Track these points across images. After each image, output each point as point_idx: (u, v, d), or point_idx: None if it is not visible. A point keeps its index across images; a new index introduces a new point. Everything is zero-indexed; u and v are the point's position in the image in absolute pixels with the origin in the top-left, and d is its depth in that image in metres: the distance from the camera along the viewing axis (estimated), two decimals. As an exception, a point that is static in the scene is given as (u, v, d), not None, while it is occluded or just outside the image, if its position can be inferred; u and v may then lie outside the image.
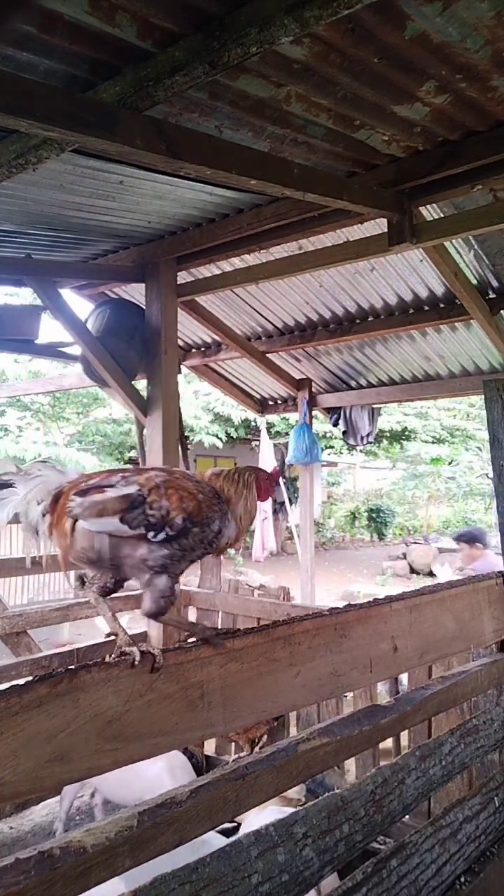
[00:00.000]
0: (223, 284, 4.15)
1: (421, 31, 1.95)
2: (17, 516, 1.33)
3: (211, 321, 5.05)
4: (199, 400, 15.76)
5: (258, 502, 1.39)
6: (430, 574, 15.61)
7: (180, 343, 5.61)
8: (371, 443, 6.55)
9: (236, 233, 3.42)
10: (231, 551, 3.38)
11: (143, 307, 4.08)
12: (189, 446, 4.50)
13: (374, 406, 6.17)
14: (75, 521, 1.25)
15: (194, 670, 1.26)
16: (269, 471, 1.43)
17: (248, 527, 1.38)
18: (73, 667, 1.10)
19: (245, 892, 1.19)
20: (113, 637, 1.22)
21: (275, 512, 12.50)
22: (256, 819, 2.14)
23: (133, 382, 4.06)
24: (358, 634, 1.65)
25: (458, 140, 2.62)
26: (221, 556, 3.93)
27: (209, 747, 3.86)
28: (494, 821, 1.88)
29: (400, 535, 19.94)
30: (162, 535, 1.24)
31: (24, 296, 11.38)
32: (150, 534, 1.23)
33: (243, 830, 2.00)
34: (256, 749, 3.24)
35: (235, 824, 2.48)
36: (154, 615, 1.26)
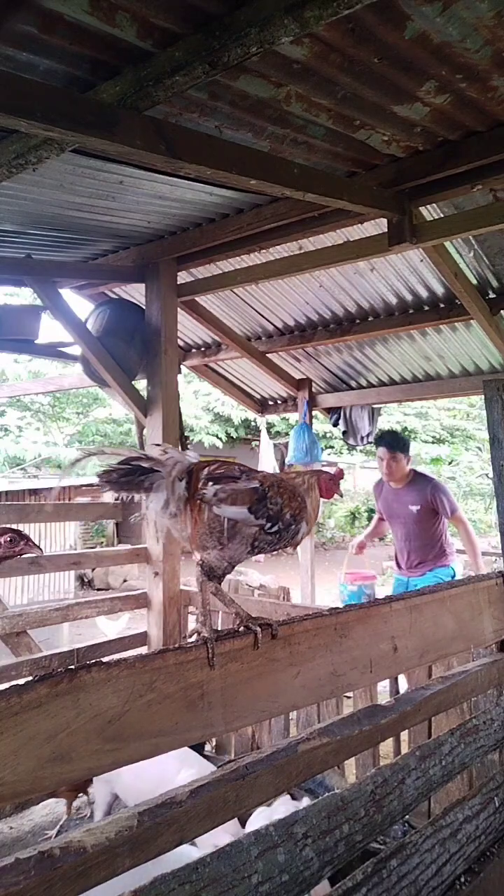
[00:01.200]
0: (223, 284, 4.15)
1: (421, 31, 1.95)
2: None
3: (211, 321, 5.05)
4: (199, 400, 15.77)
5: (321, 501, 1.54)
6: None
7: (180, 343, 5.61)
8: (371, 443, 6.54)
9: (236, 233, 3.42)
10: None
11: (143, 307, 4.08)
12: (189, 446, 4.51)
13: (374, 406, 6.17)
14: (208, 504, 1.39)
15: (194, 670, 1.26)
16: (332, 472, 1.56)
17: (314, 526, 1.54)
18: (72, 667, 1.10)
19: (245, 892, 1.19)
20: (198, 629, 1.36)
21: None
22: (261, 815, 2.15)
23: (133, 382, 4.06)
24: (358, 634, 1.65)
25: (458, 140, 2.62)
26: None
27: (209, 747, 3.86)
28: (494, 821, 1.88)
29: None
30: (276, 528, 1.41)
31: (24, 296, 11.39)
32: (268, 525, 1.40)
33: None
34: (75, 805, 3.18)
35: None
36: (211, 576, 1.43)
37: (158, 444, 1.54)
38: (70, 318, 3.90)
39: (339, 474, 1.56)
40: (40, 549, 1.64)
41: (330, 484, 1.53)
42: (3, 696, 1.00)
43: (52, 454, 14.82)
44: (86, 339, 3.90)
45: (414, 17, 1.88)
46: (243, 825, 2.32)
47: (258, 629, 1.36)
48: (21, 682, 1.04)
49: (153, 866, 1.09)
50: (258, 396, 6.62)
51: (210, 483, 1.39)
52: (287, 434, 7.55)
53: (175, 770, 2.63)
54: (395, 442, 4.52)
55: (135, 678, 1.16)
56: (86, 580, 14.20)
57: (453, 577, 4.48)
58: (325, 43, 1.97)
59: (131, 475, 1.38)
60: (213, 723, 1.29)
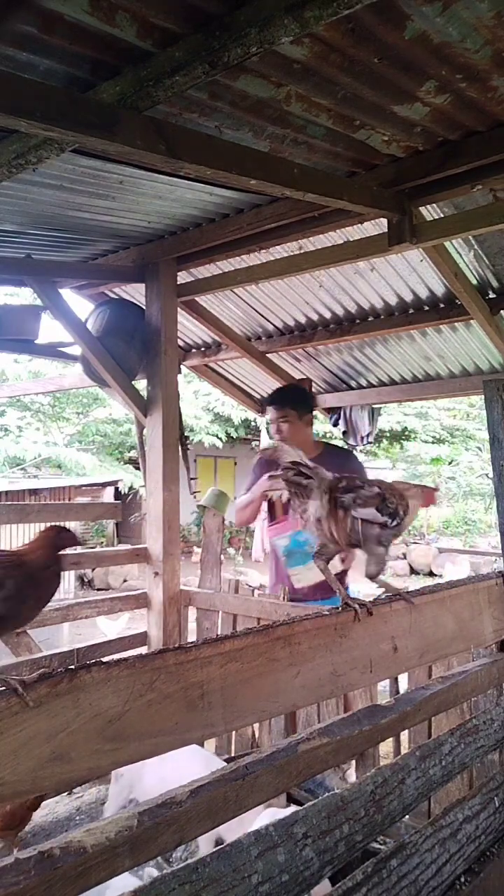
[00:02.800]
0: (223, 284, 4.15)
1: (421, 31, 1.95)
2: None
3: (211, 321, 5.04)
4: (199, 400, 15.76)
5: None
6: (430, 574, 15.62)
7: (180, 343, 5.61)
8: (371, 443, 6.54)
9: (236, 233, 3.42)
10: (231, 551, 3.38)
11: (143, 307, 4.08)
12: (189, 446, 4.51)
13: (375, 406, 6.17)
14: (346, 509, 1.72)
15: (194, 670, 1.26)
16: (432, 487, 1.96)
17: (408, 526, 1.87)
18: (72, 666, 1.10)
19: (245, 892, 1.19)
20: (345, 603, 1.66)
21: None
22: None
23: (133, 382, 4.05)
24: (358, 635, 1.65)
25: (458, 140, 2.62)
26: (222, 556, 3.93)
27: (209, 747, 3.86)
28: (494, 821, 1.88)
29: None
30: (395, 523, 1.75)
31: (24, 296, 11.39)
32: (390, 521, 1.74)
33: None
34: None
35: None
36: (374, 576, 1.79)
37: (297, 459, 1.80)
38: (70, 318, 3.89)
39: (436, 489, 2.00)
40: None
41: (431, 495, 1.91)
42: (3, 696, 1.00)
43: (52, 454, 14.82)
44: (86, 339, 3.90)
45: (414, 17, 1.88)
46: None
47: (357, 607, 1.66)
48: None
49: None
50: (258, 396, 6.61)
51: (346, 492, 1.74)
52: (287, 434, 7.54)
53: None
54: (285, 397, 3.46)
55: (135, 678, 1.17)
56: (86, 580, 14.22)
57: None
58: (326, 43, 1.97)
59: (300, 477, 1.74)
60: (214, 723, 1.29)
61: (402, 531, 1.83)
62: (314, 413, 3.27)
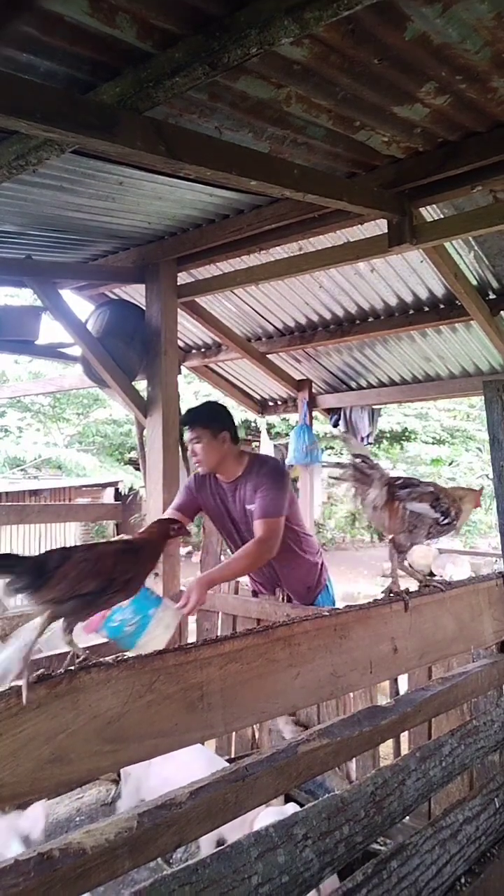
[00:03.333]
0: (223, 285, 4.15)
1: (421, 32, 1.95)
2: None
3: (211, 322, 5.05)
4: (199, 401, 15.74)
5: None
6: (431, 575, 15.59)
7: (180, 344, 5.61)
8: (371, 443, 6.55)
9: (236, 234, 3.42)
10: (230, 552, 3.36)
11: (143, 308, 4.08)
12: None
13: (375, 407, 6.17)
14: (401, 503, 1.92)
15: (194, 671, 1.26)
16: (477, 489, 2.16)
17: (465, 521, 2.11)
18: (72, 668, 1.10)
19: (245, 894, 1.19)
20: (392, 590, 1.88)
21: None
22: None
23: (133, 383, 4.05)
24: (358, 635, 1.65)
25: (458, 141, 2.62)
26: (221, 557, 3.93)
27: (208, 748, 3.86)
28: (495, 822, 1.88)
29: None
30: (446, 521, 1.95)
31: (24, 297, 11.40)
32: (441, 518, 1.94)
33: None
34: None
35: None
36: (403, 551, 2.00)
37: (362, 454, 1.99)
38: (70, 319, 3.90)
39: (481, 490, 2.19)
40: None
41: (477, 497, 2.10)
42: (2, 697, 1.00)
43: (53, 455, 14.82)
44: (86, 339, 3.90)
45: (414, 18, 1.88)
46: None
47: (407, 597, 1.84)
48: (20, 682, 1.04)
49: None
50: (258, 397, 6.62)
51: (402, 488, 1.95)
52: (287, 435, 7.56)
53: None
54: (194, 417, 3.06)
55: (134, 679, 1.16)
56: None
57: (332, 602, 3.39)
58: (326, 44, 1.97)
59: (363, 468, 1.94)
60: (213, 724, 1.29)
61: (452, 530, 2.03)
62: (231, 431, 3.02)
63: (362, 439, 6.11)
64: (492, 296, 4.22)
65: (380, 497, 1.92)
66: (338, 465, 1.98)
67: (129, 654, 1.21)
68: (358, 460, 1.96)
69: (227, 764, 2.89)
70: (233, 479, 3.08)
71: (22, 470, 14.84)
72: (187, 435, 3.10)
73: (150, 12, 1.79)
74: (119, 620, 2.39)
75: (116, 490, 5.61)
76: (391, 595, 1.85)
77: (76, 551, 1.32)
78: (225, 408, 3.19)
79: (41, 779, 1.03)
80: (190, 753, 2.34)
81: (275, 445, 9.29)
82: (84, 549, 1.35)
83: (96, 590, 1.30)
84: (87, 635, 2.64)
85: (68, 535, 11.67)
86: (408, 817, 1.73)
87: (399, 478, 2.00)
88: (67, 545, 2.03)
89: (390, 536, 1.99)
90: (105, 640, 2.57)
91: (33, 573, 1.22)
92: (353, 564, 16.32)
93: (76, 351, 4.34)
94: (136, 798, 2.90)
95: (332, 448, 16.01)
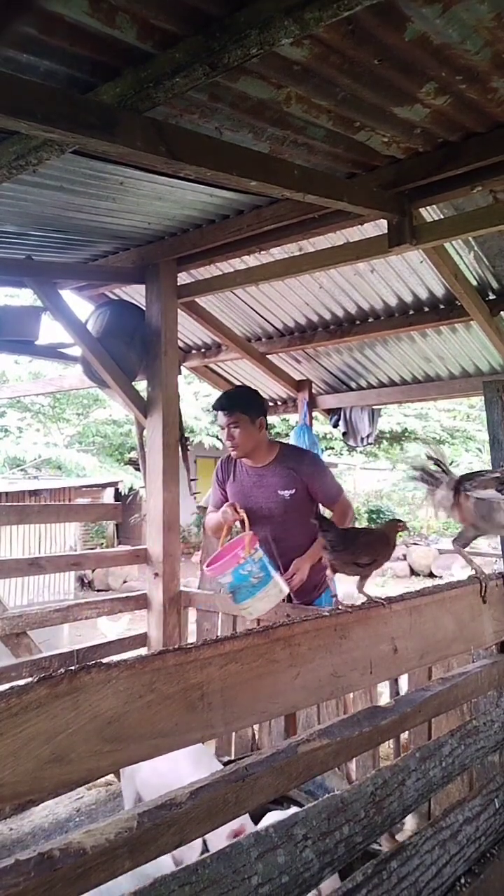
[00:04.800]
0: (223, 286, 4.15)
1: (421, 32, 1.95)
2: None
3: (211, 322, 5.05)
4: (199, 401, 15.76)
5: None
6: (431, 575, 15.60)
7: (180, 344, 5.61)
8: (371, 444, 6.55)
9: (236, 234, 3.42)
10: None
11: (143, 308, 4.08)
12: (189, 447, 4.50)
13: (375, 407, 6.17)
14: (466, 493, 2.09)
15: (194, 671, 1.26)
16: None
17: None
18: (72, 668, 1.10)
19: (245, 894, 1.19)
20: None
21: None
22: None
23: (133, 383, 4.06)
24: (358, 636, 1.65)
25: (458, 141, 2.63)
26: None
27: (209, 747, 3.86)
28: (495, 822, 1.88)
29: (400, 536, 19.90)
30: None
31: (24, 297, 11.40)
32: None
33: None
34: None
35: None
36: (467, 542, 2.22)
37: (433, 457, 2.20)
38: (70, 320, 3.90)
39: None
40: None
41: None
42: (2, 697, 1.00)
43: (53, 455, 14.83)
44: (86, 340, 3.90)
45: (414, 18, 1.89)
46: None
47: (488, 583, 2.13)
48: (21, 683, 1.04)
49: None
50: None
51: (466, 480, 2.12)
52: (287, 435, 7.55)
53: (189, 774, 2.61)
54: (233, 401, 3.17)
55: (134, 679, 1.16)
56: (86, 581, 14.20)
57: (331, 602, 3.30)
58: (325, 44, 1.98)
59: (436, 471, 2.18)
60: (213, 724, 1.29)
61: None
62: (266, 418, 3.16)
63: (362, 440, 6.12)
64: (492, 296, 4.22)
65: (447, 497, 2.14)
66: (416, 470, 2.21)
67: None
68: (431, 462, 2.18)
69: (213, 758, 2.91)
70: (262, 464, 3.23)
71: (22, 470, 14.84)
72: (223, 419, 3.16)
73: (150, 12, 1.79)
74: (248, 571, 2.71)
75: (116, 490, 5.61)
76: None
77: (362, 534, 2.11)
78: (260, 394, 3.32)
79: (41, 778, 1.03)
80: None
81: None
82: (365, 534, 2.12)
83: (368, 562, 1.94)
84: (213, 576, 2.86)
85: (68, 535, 11.67)
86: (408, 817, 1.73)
87: (469, 473, 2.15)
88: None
89: (462, 527, 2.19)
90: (221, 585, 2.80)
91: (345, 541, 1.95)
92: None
93: (76, 351, 4.34)
94: (133, 790, 2.93)
95: (332, 448, 16.01)
